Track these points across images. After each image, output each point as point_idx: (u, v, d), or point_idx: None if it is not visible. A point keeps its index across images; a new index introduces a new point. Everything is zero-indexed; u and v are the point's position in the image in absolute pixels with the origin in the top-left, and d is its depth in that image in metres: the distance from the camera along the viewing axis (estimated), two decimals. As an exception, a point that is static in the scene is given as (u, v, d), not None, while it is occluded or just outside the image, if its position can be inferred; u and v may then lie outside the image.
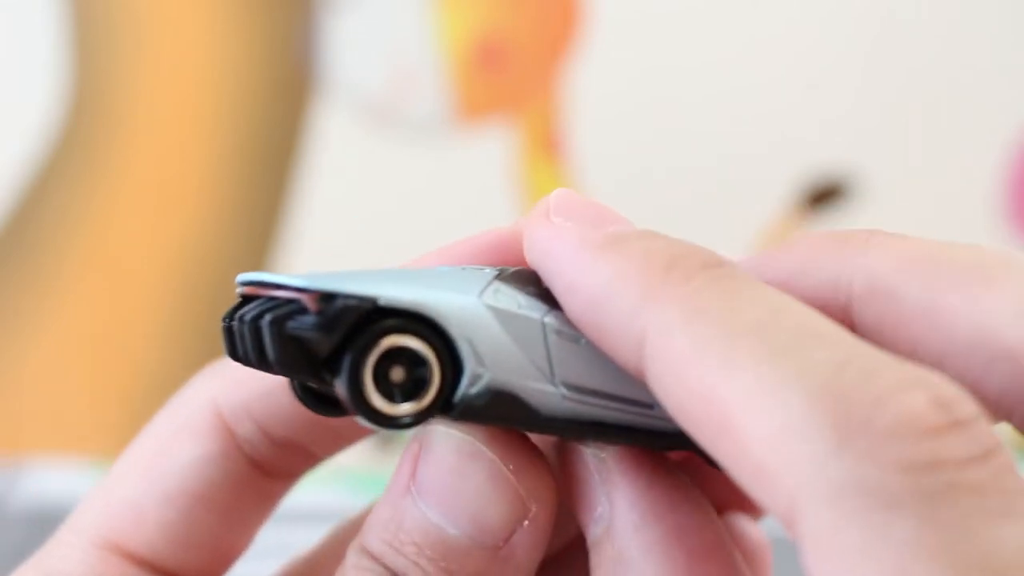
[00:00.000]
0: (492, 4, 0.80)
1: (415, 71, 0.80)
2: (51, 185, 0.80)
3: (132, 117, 0.80)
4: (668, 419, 0.22)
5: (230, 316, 0.25)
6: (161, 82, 0.80)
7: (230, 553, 0.29)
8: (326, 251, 0.81)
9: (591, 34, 0.80)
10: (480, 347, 0.24)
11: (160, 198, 0.80)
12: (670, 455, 0.26)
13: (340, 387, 0.23)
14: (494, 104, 0.81)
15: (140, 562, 0.28)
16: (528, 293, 0.25)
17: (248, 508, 0.29)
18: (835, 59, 0.81)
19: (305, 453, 0.30)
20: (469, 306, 0.24)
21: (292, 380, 0.26)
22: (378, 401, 0.23)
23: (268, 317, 0.24)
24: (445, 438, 0.25)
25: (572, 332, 0.24)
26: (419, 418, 0.24)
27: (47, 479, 0.76)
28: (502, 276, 0.25)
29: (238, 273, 0.28)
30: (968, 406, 0.18)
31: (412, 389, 0.24)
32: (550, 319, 0.24)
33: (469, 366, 0.24)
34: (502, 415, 0.24)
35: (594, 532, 0.25)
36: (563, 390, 0.24)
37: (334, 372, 0.23)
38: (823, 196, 0.82)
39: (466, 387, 0.24)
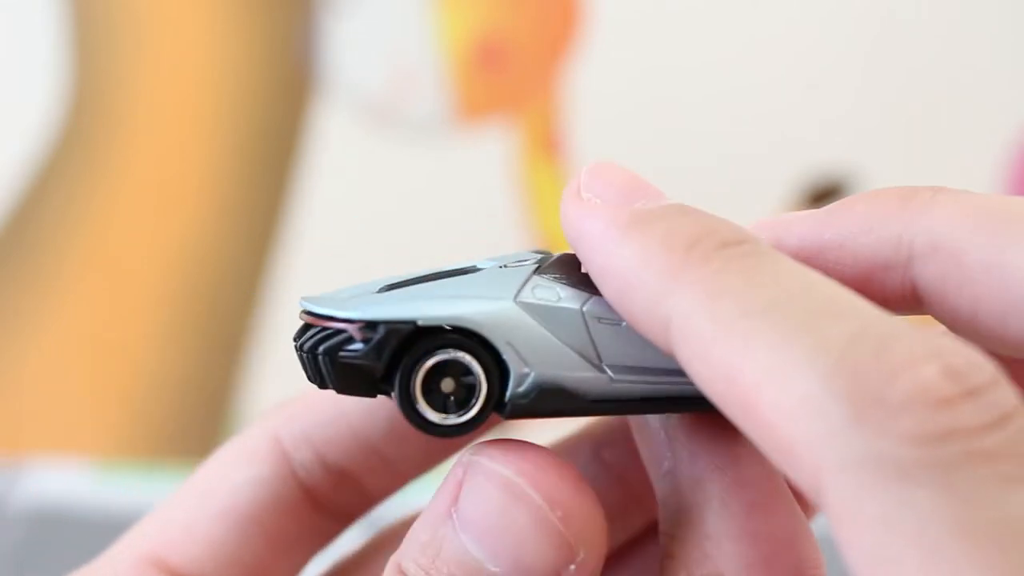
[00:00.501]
0: (492, 4, 0.80)
1: (415, 71, 0.80)
2: (51, 185, 0.80)
3: (132, 117, 0.80)
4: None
5: (297, 340, 0.27)
6: (161, 82, 0.80)
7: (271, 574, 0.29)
8: (326, 251, 0.80)
9: (591, 34, 0.80)
10: (521, 348, 0.25)
11: (160, 198, 0.80)
12: None
13: (396, 403, 0.25)
14: (494, 104, 0.81)
15: None
16: (568, 282, 0.26)
17: (297, 538, 0.29)
18: (835, 59, 0.81)
19: (360, 490, 0.30)
20: (505, 310, 0.25)
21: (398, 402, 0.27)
22: (430, 413, 0.25)
23: (322, 348, 0.25)
24: (490, 474, 0.24)
25: (613, 316, 0.25)
26: (471, 424, 0.25)
27: (47, 479, 0.76)
28: (542, 268, 0.26)
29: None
30: (983, 373, 0.18)
31: (465, 396, 0.25)
32: (590, 306, 0.25)
33: (514, 368, 0.25)
34: (551, 407, 0.25)
35: (661, 488, 0.26)
36: (611, 373, 0.25)
37: (390, 389, 0.25)
38: (823, 196, 0.82)
39: (513, 387, 0.25)
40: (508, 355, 0.25)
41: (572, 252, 0.26)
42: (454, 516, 0.24)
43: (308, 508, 0.29)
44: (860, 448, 0.18)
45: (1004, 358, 0.23)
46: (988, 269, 0.22)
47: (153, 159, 0.80)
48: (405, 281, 0.27)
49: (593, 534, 0.24)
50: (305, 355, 0.26)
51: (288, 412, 0.30)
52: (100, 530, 0.48)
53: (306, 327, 0.27)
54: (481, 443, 0.25)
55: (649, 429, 0.26)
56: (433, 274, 0.27)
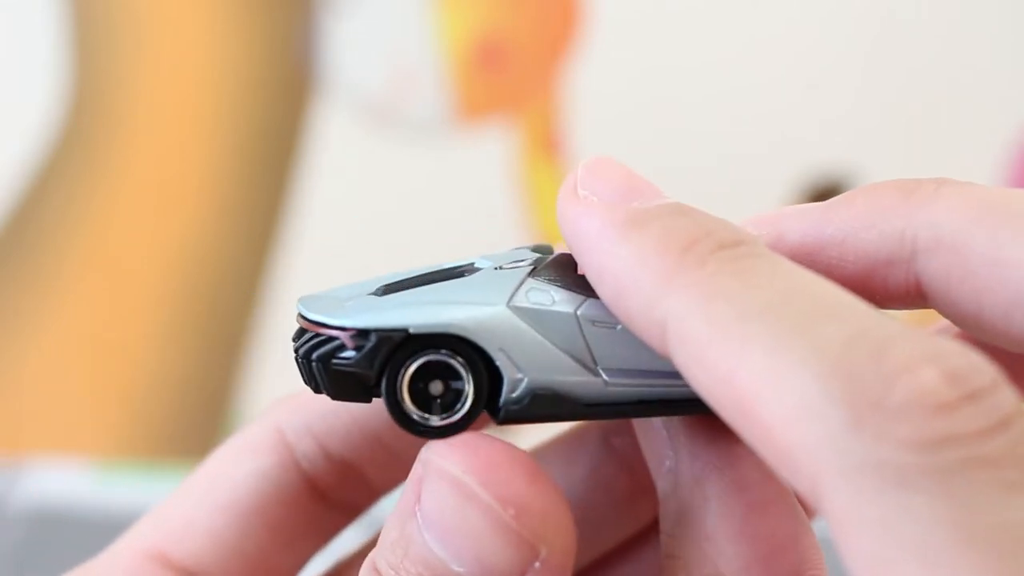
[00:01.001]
0: (492, 4, 0.80)
1: (415, 71, 0.80)
2: (51, 185, 0.80)
3: (132, 117, 0.80)
4: None
5: (294, 342, 0.27)
6: (161, 82, 0.80)
7: (276, 570, 0.29)
8: (326, 251, 0.80)
9: (591, 34, 0.80)
10: (514, 353, 0.25)
11: (160, 198, 0.80)
12: None
13: (384, 401, 0.25)
14: (494, 104, 0.81)
15: (186, 572, 0.28)
16: (563, 284, 0.25)
17: (301, 530, 0.29)
18: (835, 59, 0.81)
19: (363, 481, 0.30)
20: (497, 316, 0.25)
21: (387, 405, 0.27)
22: (415, 413, 0.25)
23: (315, 355, 0.25)
24: (441, 473, 0.24)
25: (608, 318, 0.25)
26: (456, 427, 0.25)
27: (47, 479, 0.76)
28: (537, 270, 0.26)
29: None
30: (983, 376, 0.18)
31: (452, 400, 0.25)
32: (584, 309, 0.25)
33: (507, 374, 0.25)
34: (546, 412, 0.25)
35: (662, 486, 0.25)
36: (605, 377, 0.25)
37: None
38: (823, 196, 0.82)
39: (507, 393, 0.25)
40: (501, 361, 0.25)
41: (568, 252, 0.26)
42: (418, 515, 0.24)
43: (312, 500, 0.29)
44: (858, 453, 0.18)
45: (1007, 353, 0.23)
46: (992, 264, 0.22)
47: (153, 159, 0.80)
48: (402, 282, 0.27)
49: (555, 531, 0.24)
50: (300, 360, 0.26)
51: (290, 405, 0.30)
52: (100, 530, 0.48)
53: (302, 330, 0.27)
54: (436, 441, 0.25)
55: (651, 427, 0.26)
56: (429, 274, 0.27)
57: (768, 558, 0.24)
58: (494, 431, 0.27)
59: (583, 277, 0.25)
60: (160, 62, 0.80)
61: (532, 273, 0.26)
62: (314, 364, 0.25)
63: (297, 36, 0.80)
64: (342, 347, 0.25)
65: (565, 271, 0.26)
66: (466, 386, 0.25)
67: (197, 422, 0.81)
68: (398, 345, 0.25)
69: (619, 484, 0.29)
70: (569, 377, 0.25)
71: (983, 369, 0.18)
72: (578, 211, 0.23)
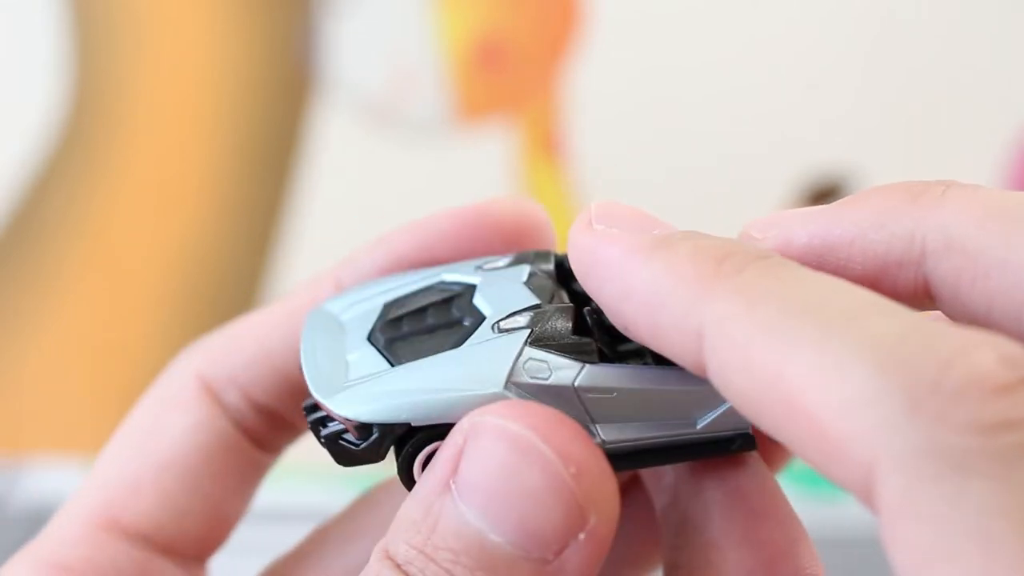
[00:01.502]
0: (492, 4, 0.80)
1: (415, 71, 0.80)
2: (51, 185, 0.80)
3: (132, 117, 0.80)
4: (697, 433, 0.24)
5: (305, 401, 0.27)
6: (161, 82, 0.80)
7: (226, 522, 0.29)
8: (326, 251, 0.80)
9: (591, 34, 0.80)
10: None
11: (160, 198, 0.80)
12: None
13: (399, 476, 0.26)
14: (494, 104, 0.81)
15: (138, 537, 0.28)
16: (560, 347, 0.25)
17: (240, 475, 0.29)
18: (835, 59, 0.81)
19: (286, 423, 0.30)
20: (496, 400, 0.25)
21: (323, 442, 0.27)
22: None
23: (323, 432, 0.26)
24: (499, 432, 0.23)
25: (606, 385, 0.25)
26: None
27: (47, 479, 0.76)
28: (535, 334, 0.25)
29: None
30: None
31: None
32: (582, 379, 0.25)
33: None
34: None
35: (662, 501, 0.25)
36: (602, 435, 0.25)
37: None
38: (823, 196, 0.82)
39: None
40: None
41: (567, 304, 0.26)
42: (453, 487, 0.23)
43: (245, 446, 0.29)
44: (916, 439, 0.17)
45: None
46: (1002, 266, 0.22)
47: (153, 159, 0.80)
48: (401, 321, 0.27)
49: (606, 497, 0.23)
50: (310, 424, 0.27)
51: (209, 354, 0.30)
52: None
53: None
54: (487, 406, 0.24)
55: None
56: (429, 317, 0.27)
57: (769, 563, 0.24)
58: None
59: (584, 325, 0.26)
60: (160, 62, 0.80)
61: (529, 340, 0.25)
62: (324, 440, 0.26)
63: (297, 36, 0.80)
64: (347, 431, 0.26)
65: (562, 325, 0.26)
66: None
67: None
68: (402, 436, 0.25)
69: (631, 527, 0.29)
70: None
71: None
72: (597, 240, 0.23)
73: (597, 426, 0.25)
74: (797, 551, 0.24)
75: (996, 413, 0.17)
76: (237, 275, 0.77)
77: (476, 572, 0.23)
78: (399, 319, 0.27)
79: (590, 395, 0.25)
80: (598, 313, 0.26)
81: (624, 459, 0.25)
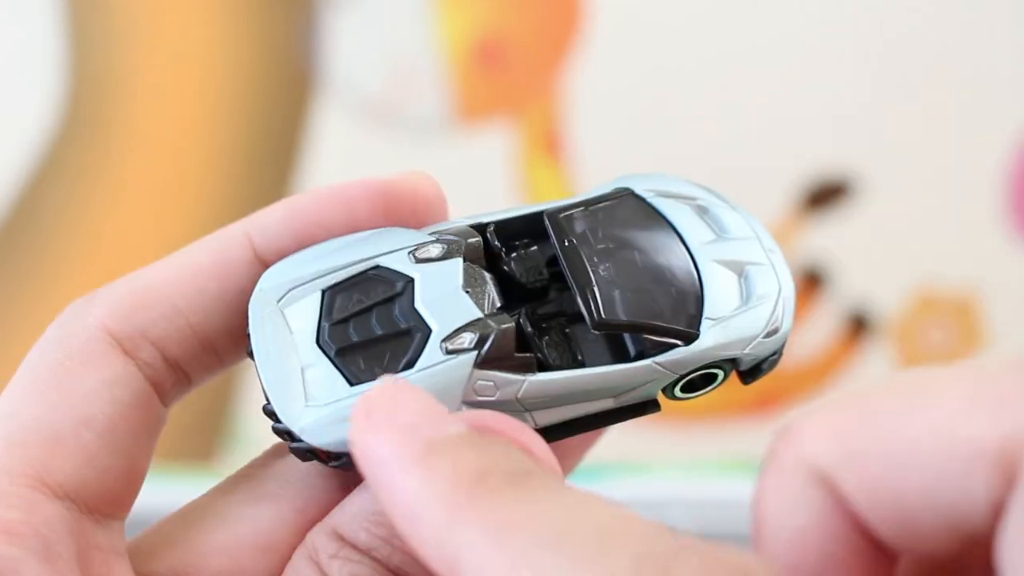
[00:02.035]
0: (492, 4, 0.80)
1: (415, 71, 0.80)
2: (50, 183, 0.80)
3: (131, 115, 0.80)
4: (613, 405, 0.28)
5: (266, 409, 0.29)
6: (160, 81, 0.80)
7: (139, 480, 0.29)
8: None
9: (591, 34, 0.80)
10: None
11: (159, 196, 0.80)
12: None
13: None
14: (494, 104, 0.81)
15: (64, 496, 0.28)
16: (506, 367, 0.28)
17: (149, 431, 0.30)
18: (836, 59, 0.81)
19: (188, 379, 0.30)
20: None
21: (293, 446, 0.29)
22: None
23: (292, 445, 0.28)
24: None
25: (543, 393, 0.28)
26: None
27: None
28: (481, 356, 0.28)
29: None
30: None
31: None
32: (524, 391, 0.28)
33: None
34: None
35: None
36: (536, 422, 0.28)
37: None
38: (823, 196, 0.82)
39: None
40: None
41: (508, 324, 0.28)
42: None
43: (156, 401, 0.30)
44: None
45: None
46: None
47: (152, 157, 0.80)
48: (347, 318, 0.29)
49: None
50: (274, 430, 0.28)
51: (114, 307, 0.29)
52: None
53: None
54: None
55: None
56: (376, 336, 0.28)
57: None
58: None
59: (522, 348, 0.28)
60: (159, 60, 0.80)
61: (477, 362, 0.28)
62: (292, 450, 0.28)
63: (297, 35, 0.80)
64: (315, 451, 0.28)
65: (507, 344, 0.28)
66: None
67: (197, 424, 0.81)
68: None
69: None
70: None
71: (758, 573, 0.19)
72: (371, 436, 0.23)
73: (531, 414, 0.28)
74: None
75: None
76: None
77: None
78: (345, 320, 0.29)
79: (529, 399, 0.28)
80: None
81: (554, 431, 0.29)
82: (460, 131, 0.81)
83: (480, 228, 0.31)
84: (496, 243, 0.31)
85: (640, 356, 0.29)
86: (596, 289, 0.29)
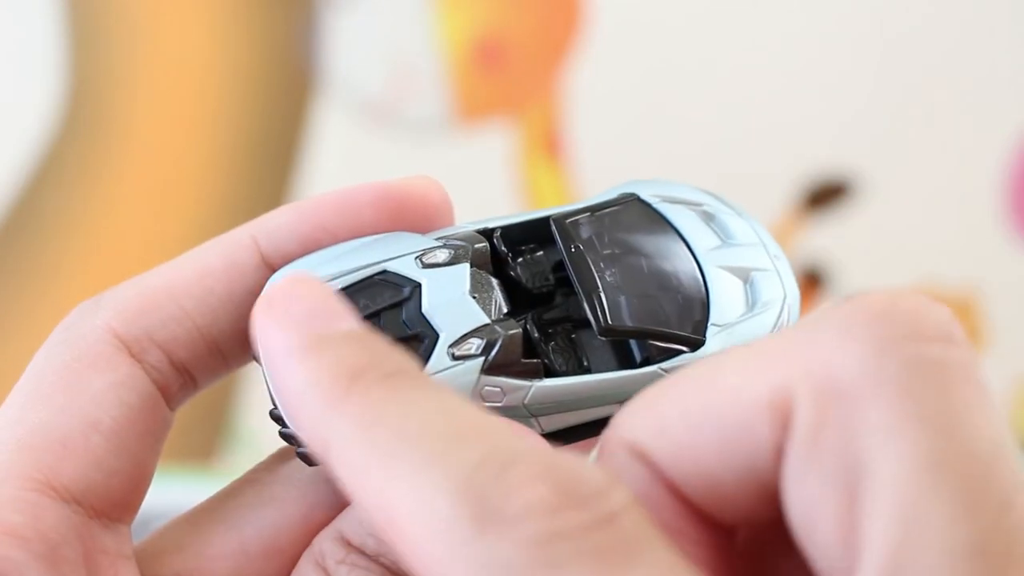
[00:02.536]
0: (492, 4, 0.80)
1: (415, 71, 0.80)
2: (50, 181, 0.80)
3: (131, 115, 0.80)
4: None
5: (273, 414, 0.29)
6: (161, 82, 0.80)
7: (145, 483, 0.29)
8: (326, 251, 0.81)
9: (591, 34, 0.80)
10: None
11: (159, 195, 0.80)
12: None
13: None
14: (494, 104, 0.81)
15: (71, 500, 0.28)
16: (512, 373, 0.28)
17: (156, 434, 0.30)
18: (836, 59, 0.81)
19: (194, 382, 0.30)
20: None
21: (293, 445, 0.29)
22: None
23: (299, 450, 0.28)
24: None
25: (550, 399, 0.28)
26: None
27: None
28: (488, 362, 0.28)
29: None
30: (594, 484, 0.21)
31: None
32: (530, 397, 0.28)
33: None
34: None
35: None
36: (542, 427, 0.29)
37: None
38: (823, 196, 0.82)
39: None
40: None
41: (515, 330, 0.28)
42: None
43: (162, 404, 0.30)
44: (482, 554, 0.20)
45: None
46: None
47: (152, 156, 0.80)
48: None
49: None
50: (281, 435, 0.28)
51: (122, 310, 0.30)
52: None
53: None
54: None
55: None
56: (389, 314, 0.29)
57: None
58: None
59: (528, 354, 0.29)
60: (160, 62, 0.80)
61: (484, 368, 0.28)
62: (298, 455, 0.28)
63: (297, 36, 0.80)
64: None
65: (515, 351, 0.29)
66: None
67: (197, 425, 0.81)
68: None
69: None
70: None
71: (591, 479, 0.21)
72: (266, 324, 0.24)
73: (538, 420, 0.29)
74: None
75: (546, 529, 0.20)
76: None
77: None
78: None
79: (536, 405, 0.28)
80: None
81: (559, 436, 0.29)
82: (460, 131, 0.81)
83: (486, 233, 0.31)
84: (503, 248, 0.31)
85: (646, 362, 0.29)
86: (603, 295, 0.29)
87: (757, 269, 0.31)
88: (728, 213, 0.32)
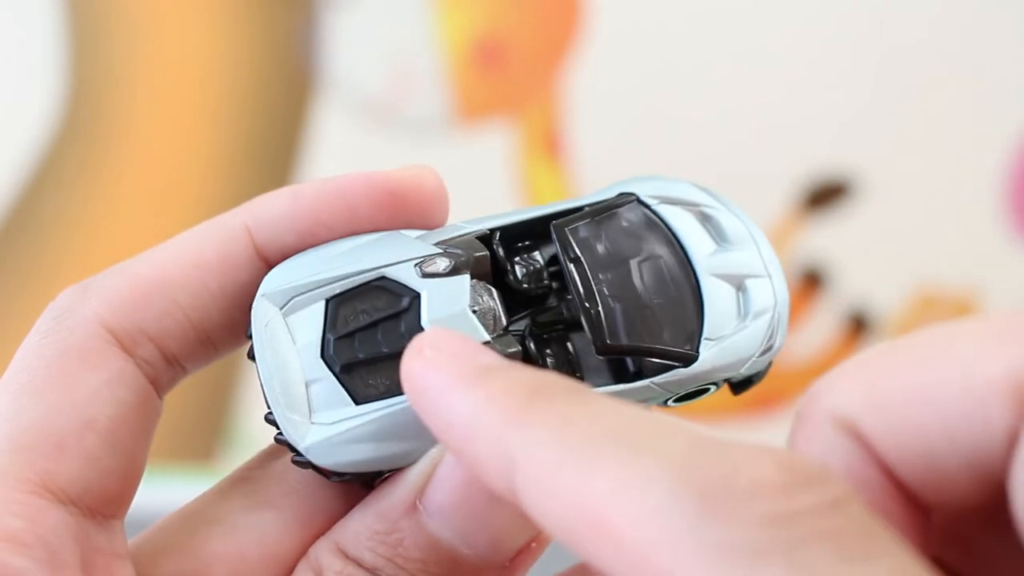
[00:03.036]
0: (492, 4, 0.80)
1: (415, 71, 0.80)
2: (50, 184, 0.80)
3: (131, 114, 0.80)
4: None
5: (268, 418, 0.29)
6: (161, 82, 0.80)
7: (137, 478, 0.29)
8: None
9: (591, 34, 0.80)
10: None
11: (159, 198, 0.80)
12: None
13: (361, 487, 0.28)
14: (494, 104, 0.81)
15: (68, 501, 0.27)
16: None
17: (149, 427, 0.29)
18: (836, 60, 0.81)
19: (183, 370, 0.30)
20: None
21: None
22: None
23: (295, 457, 0.28)
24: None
25: None
26: None
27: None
28: None
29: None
30: (815, 467, 0.20)
31: None
32: None
33: None
34: None
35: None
36: None
37: None
38: (823, 196, 0.82)
39: None
40: None
41: (515, 348, 0.28)
42: (421, 507, 0.26)
43: (154, 397, 0.29)
44: (711, 535, 0.19)
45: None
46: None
47: (152, 155, 0.80)
48: (352, 332, 0.28)
49: None
50: (277, 440, 0.28)
51: (112, 303, 0.29)
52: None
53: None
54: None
55: None
56: (381, 353, 0.28)
57: None
58: None
59: (525, 351, 0.29)
60: (160, 61, 0.80)
61: None
62: (294, 461, 0.28)
63: (297, 36, 0.80)
64: (319, 468, 0.28)
65: None
66: None
67: (197, 425, 0.81)
68: (373, 475, 0.28)
69: None
70: None
71: (812, 462, 0.20)
72: (425, 366, 0.24)
73: None
74: None
75: (779, 507, 0.19)
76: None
77: None
78: (350, 335, 0.28)
79: None
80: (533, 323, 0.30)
81: None
82: (460, 131, 0.81)
83: (484, 237, 0.31)
84: (502, 254, 0.31)
85: (639, 373, 0.29)
86: (601, 312, 0.29)
87: (750, 276, 0.31)
88: (723, 212, 0.32)
